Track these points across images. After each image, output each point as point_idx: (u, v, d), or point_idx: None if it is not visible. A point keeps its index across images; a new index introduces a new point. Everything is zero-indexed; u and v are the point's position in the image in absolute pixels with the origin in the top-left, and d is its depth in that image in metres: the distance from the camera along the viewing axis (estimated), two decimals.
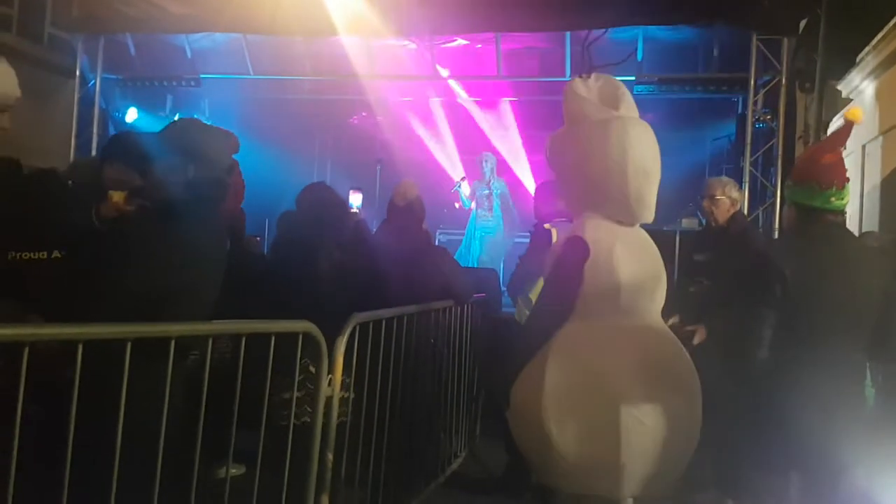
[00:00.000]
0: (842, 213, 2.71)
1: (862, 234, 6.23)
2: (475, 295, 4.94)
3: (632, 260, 3.06)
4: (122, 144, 3.32)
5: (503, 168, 11.10)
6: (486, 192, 10.20)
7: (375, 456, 3.58)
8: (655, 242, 3.28)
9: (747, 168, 8.52)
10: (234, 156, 3.16)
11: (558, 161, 3.33)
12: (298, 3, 8.49)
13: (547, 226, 4.50)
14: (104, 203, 3.14)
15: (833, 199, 2.65)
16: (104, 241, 2.93)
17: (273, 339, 2.69)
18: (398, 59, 10.27)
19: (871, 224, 8.11)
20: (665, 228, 7.64)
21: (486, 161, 10.29)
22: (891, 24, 7.66)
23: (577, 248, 2.98)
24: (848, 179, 2.68)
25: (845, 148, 2.87)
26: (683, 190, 8.33)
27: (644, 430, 2.79)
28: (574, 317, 2.99)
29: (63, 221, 3.20)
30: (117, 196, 3.07)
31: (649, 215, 3.16)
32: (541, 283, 3.26)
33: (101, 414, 2.17)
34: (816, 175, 2.67)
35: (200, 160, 2.78)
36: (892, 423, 3.00)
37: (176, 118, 10.43)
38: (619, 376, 2.86)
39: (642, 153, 3.06)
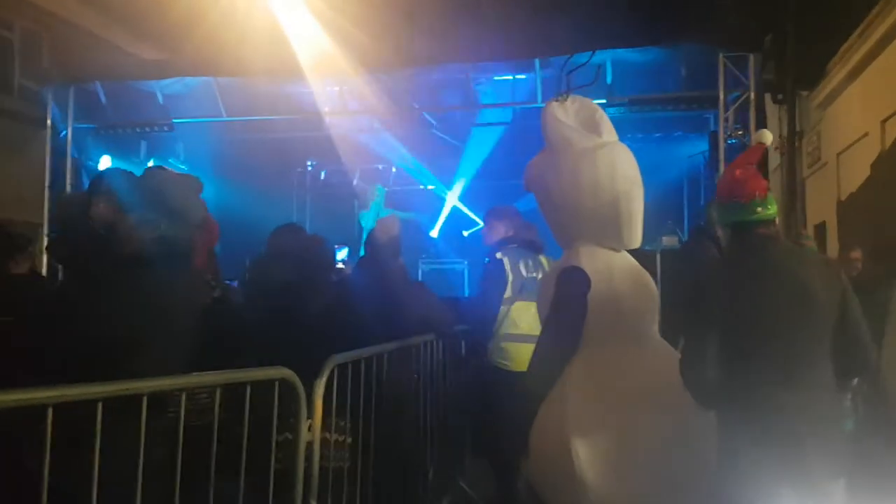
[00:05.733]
0: (772, 223, 2.69)
1: (846, 247, 6.25)
2: (457, 326, 4.90)
3: (628, 285, 3.07)
4: (110, 181, 3.27)
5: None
6: None
7: (363, 499, 3.50)
8: (639, 263, 3.28)
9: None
10: (206, 199, 3.16)
11: (541, 187, 3.31)
12: (263, 45, 8.53)
13: (498, 255, 4.49)
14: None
15: (759, 209, 2.63)
16: (70, 294, 2.89)
17: (250, 387, 2.64)
18: (368, 94, 10.34)
19: (844, 235, 8.18)
20: (646, 248, 7.66)
21: (375, 192, 10.31)
22: (857, 32, 7.80)
23: (578, 280, 2.97)
24: (768, 188, 2.67)
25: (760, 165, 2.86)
26: (662, 209, 8.38)
27: (669, 456, 2.75)
28: (582, 350, 2.96)
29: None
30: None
31: (638, 239, 3.18)
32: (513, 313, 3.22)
33: (80, 474, 2.13)
34: (736, 191, 2.67)
35: (172, 215, 2.75)
36: (871, 446, 2.96)
37: (150, 164, 10.39)
38: (639, 402, 2.83)
39: (630, 179, 3.09)
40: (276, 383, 2.76)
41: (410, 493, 4.16)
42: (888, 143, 7.22)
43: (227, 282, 4.47)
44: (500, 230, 4.72)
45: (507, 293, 4.37)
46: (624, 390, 2.86)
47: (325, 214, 12.92)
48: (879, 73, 7.64)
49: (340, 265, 7.83)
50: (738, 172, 2.74)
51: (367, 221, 10.12)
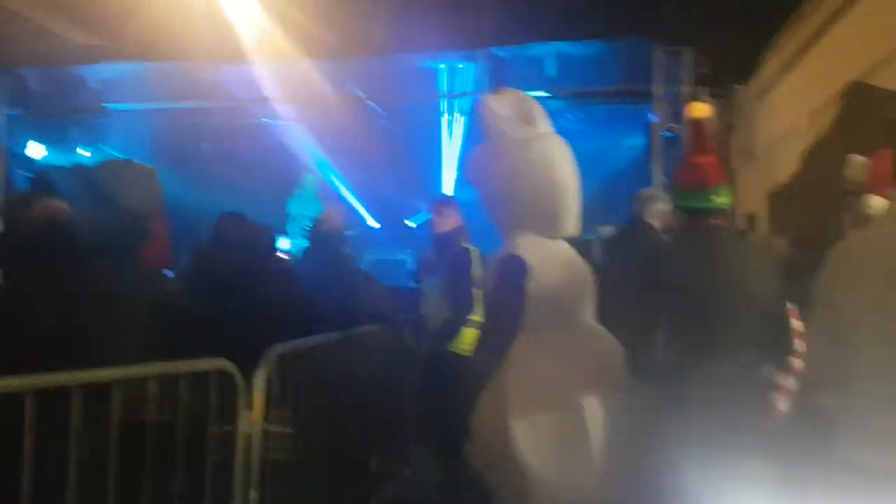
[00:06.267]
0: (724, 213, 2.79)
1: (766, 237, 6.48)
2: (405, 316, 4.91)
3: (566, 272, 3.14)
4: (51, 181, 3.19)
5: None
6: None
7: (305, 490, 3.49)
8: (577, 251, 3.37)
9: (658, 175, 8.79)
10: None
11: (479, 178, 3.36)
12: (206, 29, 8.34)
13: (466, 245, 4.51)
14: None
15: (713, 197, 2.72)
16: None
17: (189, 378, 2.61)
18: (312, 81, 10.23)
19: (773, 225, 8.47)
20: (585, 238, 7.78)
21: (306, 180, 10.22)
22: (788, 27, 8.05)
23: (518, 267, 3.02)
24: (725, 179, 2.75)
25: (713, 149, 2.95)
26: (602, 199, 8.53)
27: (607, 437, 2.82)
28: (522, 335, 3.01)
29: None
30: None
31: (574, 228, 3.25)
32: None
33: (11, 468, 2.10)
34: (694, 176, 2.76)
35: (121, 207, 2.70)
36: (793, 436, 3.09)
37: (84, 153, 10.10)
38: (578, 387, 2.89)
39: (564, 168, 3.15)
40: (214, 374, 2.73)
41: (354, 483, 4.17)
42: (817, 134, 7.49)
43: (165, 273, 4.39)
44: (452, 219, 4.72)
45: None
46: (563, 374, 2.93)
47: (261, 202, 12.73)
48: (810, 66, 7.91)
49: (282, 255, 7.73)
50: (699, 159, 2.80)
51: (295, 209, 9.91)
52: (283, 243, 9.03)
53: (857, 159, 3.21)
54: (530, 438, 2.83)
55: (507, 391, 2.89)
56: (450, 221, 4.68)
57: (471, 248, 4.47)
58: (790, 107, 8.48)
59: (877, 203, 2.79)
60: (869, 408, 1.81)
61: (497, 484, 3.08)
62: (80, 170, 3.02)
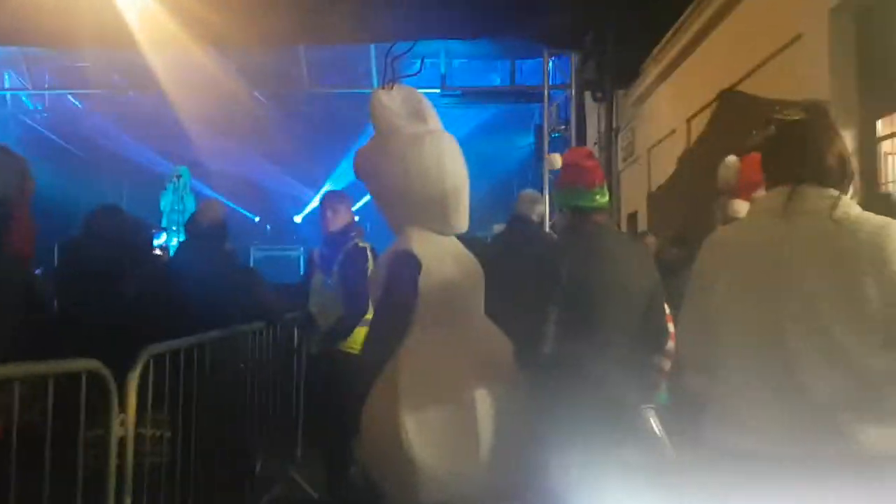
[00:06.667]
0: (606, 211, 2.91)
1: (638, 234, 6.78)
2: (290, 313, 4.80)
3: (456, 267, 3.15)
4: None
5: None
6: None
7: (183, 494, 3.35)
8: (469, 248, 3.40)
9: (546, 175, 9.02)
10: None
11: (370, 174, 3.33)
12: (93, 14, 7.88)
13: (361, 244, 4.46)
14: None
15: (597, 197, 2.85)
16: None
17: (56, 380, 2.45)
18: (200, 69, 9.87)
19: (653, 223, 8.87)
20: (478, 234, 7.89)
21: (178, 172, 9.90)
22: (668, 36, 8.44)
23: (409, 263, 3.00)
24: (596, 181, 2.88)
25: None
26: (494, 197, 8.68)
27: (493, 429, 2.84)
28: (413, 330, 3.00)
29: None
30: None
31: (464, 224, 3.27)
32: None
33: None
34: (581, 178, 2.86)
35: None
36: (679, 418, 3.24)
37: None
38: (465, 379, 2.90)
39: (455, 164, 3.17)
40: (84, 375, 2.58)
41: (237, 486, 4.04)
42: (693, 139, 7.88)
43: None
44: (346, 216, 4.66)
45: None
46: (452, 369, 2.94)
47: (137, 197, 12.19)
48: (687, 74, 8.33)
49: (157, 251, 7.40)
50: (586, 162, 2.90)
51: (165, 204, 9.48)
52: (158, 238, 8.65)
53: (729, 162, 3.38)
54: (420, 433, 2.82)
55: (397, 386, 2.88)
56: (343, 218, 4.63)
57: (366, 245, 4.43)
58: (669, 113, 8.90)
59: (741, 206, 2.96)
60: (731, 392, 1.90)
61: (386, 480, 3.06)
62: None
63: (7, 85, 9.82)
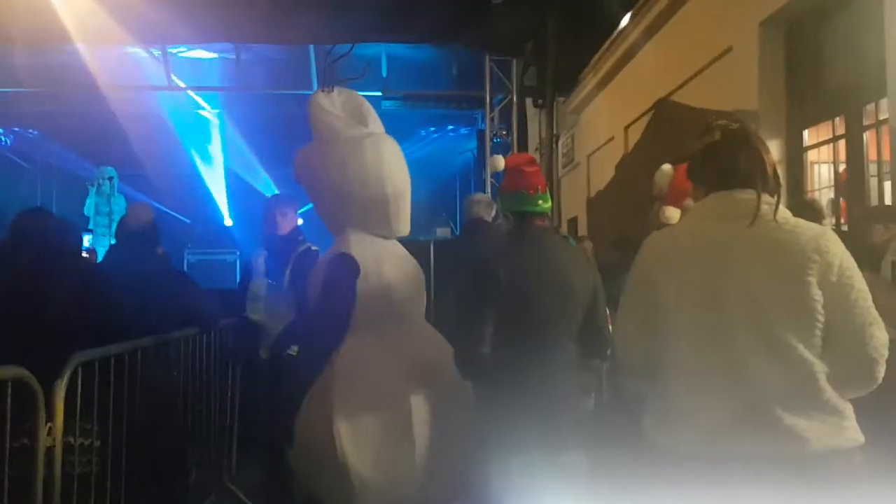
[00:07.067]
0: (547, 215, 2.94)
1: (580, 238, 6.88)
2: (224, 320, 4.68)
3: (397, 271, 3.14)
4: None
5: None
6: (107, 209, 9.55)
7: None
8: (412, 252, 3.38)
9: (488, 180, 9.08)
10: None
11: (310, 177, 3.30)
12: (22, 9, 7.58)
13: (314, 247, 4.43)
14: None
15: (540, 201, 2.88)
16: None
17: None
18: (130, 69, 9.59)
19: (591, 227, 9.01)
20: (420, 238, 7.89)
21: (103, 173, 9.58)
22: (605, 45, 8.60)
23: (348, 266, 2.98)
24: (538, 186, 2.92)
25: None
26: (436, 201, 8.68)
27: (429, 434, 2.82)
28: (350, 334, 2.96)
29: None
30: None
31: (406, 228, 3.26)
32: None
33: None
34: (522, 182, 2.89)
35: None
36: (611, 421, 3.28)
37: None
38: (400, 385, 2.88)
39: (396, 168, 3.17)
40: (9, 384, 2.47)
41: (169, 496, 3.92)
42: (629, 146, 8.05)
43: None
44: (293, 219, 4.63)
45: None
46: (389, 372, 2.92)
47: (58, 198, 11.78)
48: (624, 83, 8.50)
49: (85, 253, 7.14)
50: (529, 167, 2.92)
51: (90, 205, 9.13)
52: (84, 241, 8.35)
53: (663, 170, 3.46)
54: (354, 439, 2.79)
55: (332, 392, 2.84)
56: (291, 222, 4.60)
57: (317, 249, 4.39)
58: (607, 121, 9.07)
59: (672, 213, 3.04)
60: (673, 393, 1.93)
61: (321, 489, 3.01)
62: None
63: None
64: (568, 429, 2.69)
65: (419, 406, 2.89)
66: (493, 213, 4.88)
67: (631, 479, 2.14)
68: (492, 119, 9.46)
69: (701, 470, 1.82)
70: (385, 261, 3.13)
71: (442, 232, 8.58)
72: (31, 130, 11.81)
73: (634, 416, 2.12)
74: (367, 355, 2.97)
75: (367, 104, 3.43)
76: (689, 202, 2.26)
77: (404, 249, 3.35)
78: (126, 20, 7.76)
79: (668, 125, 6.47)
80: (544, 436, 2.61)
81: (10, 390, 2.51)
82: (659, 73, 7.18)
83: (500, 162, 3.01)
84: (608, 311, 2.98)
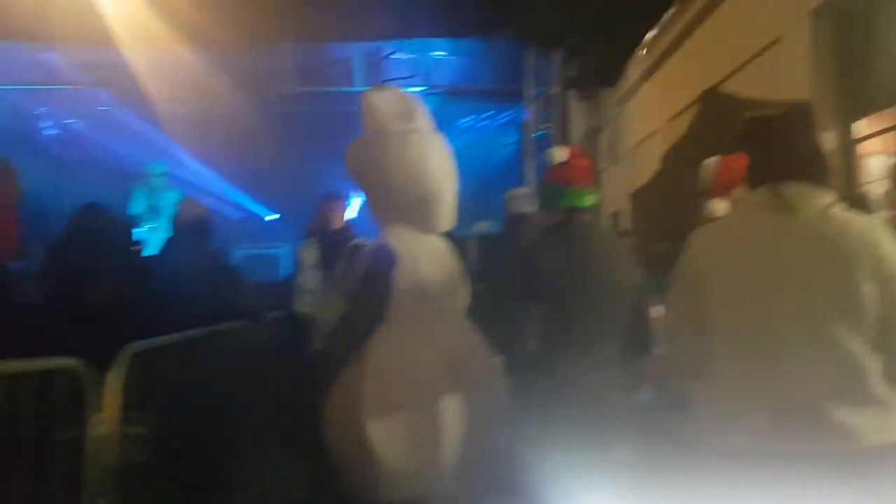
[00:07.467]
0: (589, 211, 2.92)
1: (623, 233, 6.81)
2: (271, 312, 4.78)
3: (436, 266, 3.14)
4: None
5: None
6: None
7: (163, 495, 3.33)
8: (452, 247, 3.39)
9: (530, 174, 9.04)
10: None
11: (357, 171, 3.33)
12: (68, 10, 7.79)
13: (365, 241, 4.49)
14: None
15: (588, 196, 2.86)
16: None
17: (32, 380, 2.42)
18: (175, 69, 9.78)
19: (636, 222, 8.90)
20: (462, 233, 7.88)
21: (152, 169, 9.66)
22: (651, 36, 8.48)
23: (385, 257, 3.01)
24: (588, 181, 2.89)
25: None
26: (476, 195, 8.66)
27: (457, 428, 2.84)
28: (384, 326, 2.99)
29: None
30: None
31: (448, 223, 3.27)
32: None
33: None
34: (574, 177, 2.87)
35: None
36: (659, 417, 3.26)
37: None
38: (430, 378, 2.89)
39: (439, 164, 3.18)
40: (61, 374, 2.56)
41: (219, 485, 4.01)
42: (675, 138, 7.93)
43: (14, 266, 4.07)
44: (342, 214, 4.73)
45: None
46: (421, 365, 2.94)
47: (110, 193, 12.05)
48: (669, 74, 8.37)
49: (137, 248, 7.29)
50: (578, 160, 2.90)
51: (139, 200, 9.25)
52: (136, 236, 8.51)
53: (710, 162, 3.41)
54: (383, 430, 2.81)
55: (362, 382, 2.87)
56: (342, 217, 4.69)
57: (366, 243, 4.45)
58: (651, 112, 8.95)
59: (718, 205, 2.99)
60: (721, 390, 1.91)
61: (352, 477, 3.05)
62: None
63: None
64: (612, 425, 2.68)
65: (450, 400, 2.90)
66: (532, 207, 4.86)
67: (678, 476, 2.13)
68: (534, 112, 9.41)
69: (750, 467, 1.81)
70: (423, 255, 3.14)
71: (483, 227, 8.56)
72: (82, 124, 12.09)
73: (682, 413, 2.10)
74: (400, 347, 2.99)
75: (418, 101, 3.45)
76: (738, 194, 2.23)
77: (446, 245, 3.37)
78: (175, 22, 7.91)
79: (716, 117, 6.36)
80: (589, 432, 2.61)
81: (60, 381, 2.60)
82: (705, 64, 7.06)
83: (559, 153, 2.98)
84: (654, 307, 2.96)
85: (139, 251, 4.33)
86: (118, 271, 3.78)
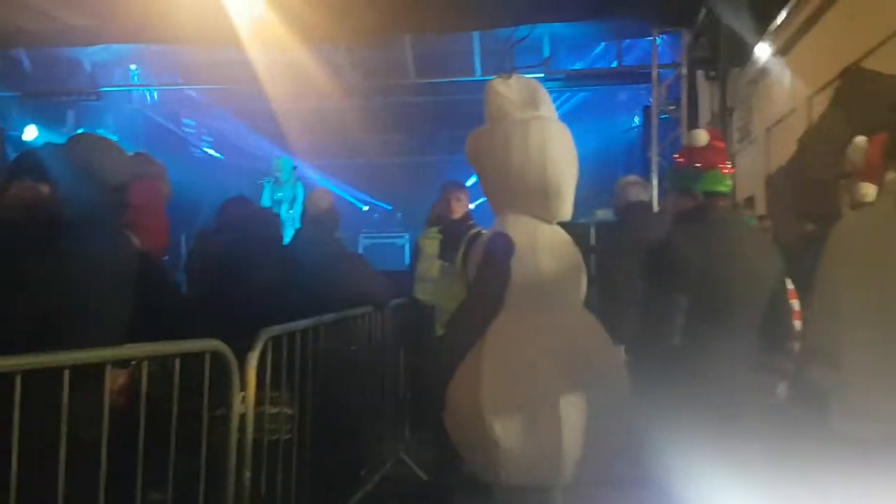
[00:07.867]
0: (728, 196, 2.80)
1: (760, 218, 6.49)
2: (395, 299, 4.91)
3: (553, 254, 3.13)
4: (30, 160, 3.14)
5: None
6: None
7: (299, 470, 3.51)
8: (571, 235, 3.37)
9: (655, 158, 8.76)
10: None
11: (479, 159, 3.37)
12: (197, 11, 8.25)
13: (486, 230, 4.56)
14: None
15: (728, 181, 2.74)
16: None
17: (181, 360, 2.63)
18: (302, 65, 10.15)
19: (772, 206, 8.45)
20: (580, 221, 7.78)
21: (279, 164, 9.84)
22: (786, 11, 8.01)
23: (502, 245, 3.03)
24: (728, 164, 2.76)
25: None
26: (597, 182, 8.51)
27: (578, 416, 2.84)
28: (503, 312, 3.02)
29: None
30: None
31: (568, 212, 3.25)
32: None
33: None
34: (716, 160, 2.76)
35: (91, 178, 2.66)
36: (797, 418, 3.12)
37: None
38: (551, 366, 2.90)
39: (560, 152, 3.15)
40: (208, 356, 2.74)
41: (349, 463, 4.18)
42: (815, 117, 7.46)
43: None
44: (466, 204, 4.82)
45: None
46: (540, 352, 2.94)
47: (239, 186, 12.70)
48: (806, 51, 7.88)
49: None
50: (717, 143, 2.81)
51: (267, 193, 9.67)
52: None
53: (857, 143, 3.20)
54: (502, 416, 2.84)
55: (481, 368, 2.90)
56: (464, 206, 4.78)
57: (486, 231, 4.52)
58: (788, 91, 8.46)
59: (869, 189, 2.80)
60: (859, 381, 1.83)
61: (473, 461, 3.09)
62: (52, 146, 2.93)
63: (135, 81, 10.41)
64: (748, 419, 2.60)
65: (568, 388, 2.88)
66: (648, 194, 4.74)
67: (813, 469, 2.05)
68: (659, 94, 9.10)
69: (886, 457, 1.74)
70: (541, 244, 3.12)
71: (603, 214, 8.41)
72: (214, 122, 12.81)
73: (819, 406, 2.02)
74: (518, 334, 3.00)
75: (542, 90, 3.43)
76: (890, 177, 2.08)
77: (565, 234, 3.33)
78: (297, 21, 8.17)
79: (858, 95, 5.93)
80: (723, 426, 2.54)
81: (208, 362, 2.78)
82: (845, 39, 6.59)
83: (702, 136, 2.89)
84: (791, 295, 2.82)
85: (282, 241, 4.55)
86: (261, 260, 3.98)
